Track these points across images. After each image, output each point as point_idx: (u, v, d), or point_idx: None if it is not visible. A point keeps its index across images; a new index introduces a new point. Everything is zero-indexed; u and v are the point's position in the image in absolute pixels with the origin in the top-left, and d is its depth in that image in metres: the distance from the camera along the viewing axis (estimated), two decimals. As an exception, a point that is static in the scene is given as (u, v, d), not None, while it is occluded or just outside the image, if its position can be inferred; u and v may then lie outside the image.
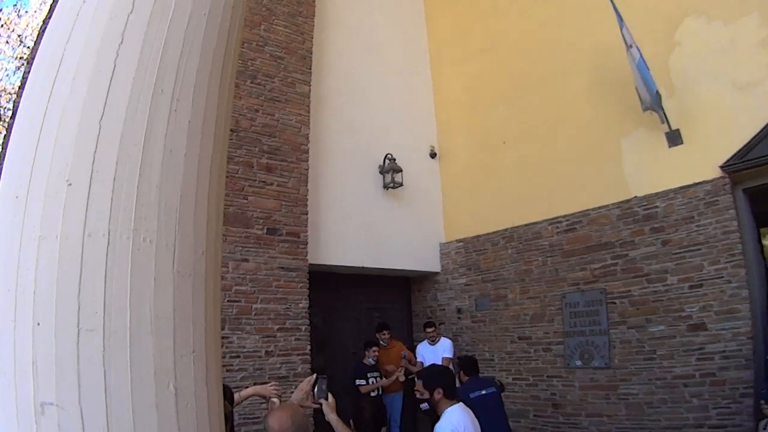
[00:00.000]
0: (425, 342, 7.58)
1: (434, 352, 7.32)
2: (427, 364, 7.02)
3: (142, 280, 1.13)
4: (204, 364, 1.21)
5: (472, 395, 4.74)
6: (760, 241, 5.93)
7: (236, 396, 3.22)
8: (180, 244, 1.20)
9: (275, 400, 3.11)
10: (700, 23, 6.06)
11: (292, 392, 4.04)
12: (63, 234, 1.11)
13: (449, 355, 7.24)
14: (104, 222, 1.13)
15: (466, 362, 5.77)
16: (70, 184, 1.14)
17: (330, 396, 2.79)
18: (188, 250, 1.21)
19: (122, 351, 1.08)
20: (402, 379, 7.03)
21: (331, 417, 2.76)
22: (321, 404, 2.76)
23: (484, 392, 5.11)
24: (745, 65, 5.66)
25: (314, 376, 2.86)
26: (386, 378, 6.96)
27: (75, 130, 1.18)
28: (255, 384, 5.18)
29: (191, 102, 1.29)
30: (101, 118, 1.19)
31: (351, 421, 3.01)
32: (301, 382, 2.94)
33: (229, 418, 2.54)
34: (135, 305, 1.11)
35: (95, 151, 1.16)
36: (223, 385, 1.98)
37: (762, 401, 4.39)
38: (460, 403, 3.45)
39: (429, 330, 7.50)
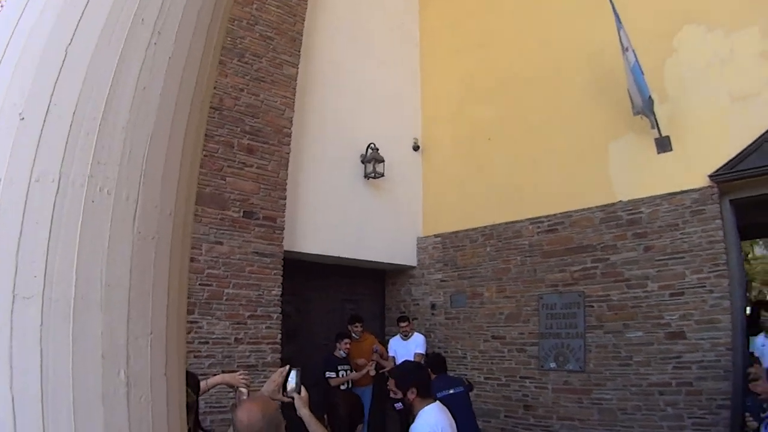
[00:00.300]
0: (398, 337, 7.48)
1: (406, 348, 7.23)
2: (399, 359, 6.93)
3: (95, 238, 0.92)
4: (164, 348, 1.00)
5: (439, 394, 4.59)
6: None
7: (202, 384, 3.03)
8: (144, 199, 0.99)
9: (243, 389, 2.94)
10: (700, 31, 5.98)
11: (261, 382, 3.87)
12: (7, 177, 0.91)
13: (422, 351, 7.14)
14: (56, 164, 0.92)
15: (433, 360, 5.65)
16: (23, 118, 0.94)
17: (303, 390, 2.61)
18: (153, 208, 1.00)
19: (64, 326, 0.87)
20: (372, 373, 6.92)
21: (304, 412, 2.58)
22: (293, 398, 2.58)
23: (451, 391, 5.00)
24: (743, 76, 5.60)
25: (287, 367, 2.67)
26: (357, 371, 6.82)
27: (38, 57, 0.98)
28: (223, 372, 4.99)
29: (174, 38, 1.08)
30: (69, 45, 0.99)
31: (325, 417, 2.83)
32: (270, 371, 2.76)
33: (192, 407, 2.36)
34: (83, 270, 0.90)
35: (56, 81, 0.96)
36: (188, 371, 1.79)
37: (747, 413, 4.34)
38: (437, 402, 3.28)
39: (402, 325, 7.39)
